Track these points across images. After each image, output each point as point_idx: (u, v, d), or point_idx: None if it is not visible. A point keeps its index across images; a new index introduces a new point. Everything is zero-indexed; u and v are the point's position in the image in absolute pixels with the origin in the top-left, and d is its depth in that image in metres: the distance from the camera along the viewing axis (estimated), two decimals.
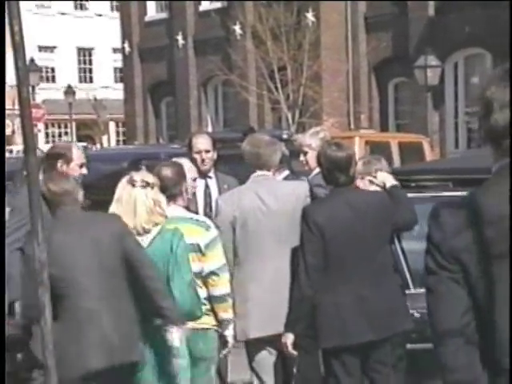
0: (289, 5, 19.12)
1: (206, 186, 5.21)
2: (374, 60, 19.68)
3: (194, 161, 5.20)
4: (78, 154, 4.52)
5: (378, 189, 4.06)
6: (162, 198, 3.72)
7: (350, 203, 3.78)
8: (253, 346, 4.20)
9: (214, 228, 3.97)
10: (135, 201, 3.64)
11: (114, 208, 3.65)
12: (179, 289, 3.58)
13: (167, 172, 3.87)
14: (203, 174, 5.21)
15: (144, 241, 3.55)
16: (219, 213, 4.20)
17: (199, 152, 5.14)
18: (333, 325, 3.71)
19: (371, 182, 4.11)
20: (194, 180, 4.53)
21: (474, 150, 18.41)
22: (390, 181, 4.06)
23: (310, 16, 19.64)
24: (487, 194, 1.85)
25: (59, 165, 4.42)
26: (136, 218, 3.61)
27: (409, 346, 3.95)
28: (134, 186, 3.66)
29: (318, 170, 4.59)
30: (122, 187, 3.67)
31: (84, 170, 4.49)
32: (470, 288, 1.79)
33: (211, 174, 5.23)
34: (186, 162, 4.58)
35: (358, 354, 3.76)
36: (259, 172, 4.20)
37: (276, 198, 4.10)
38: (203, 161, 5.13)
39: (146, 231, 3.60)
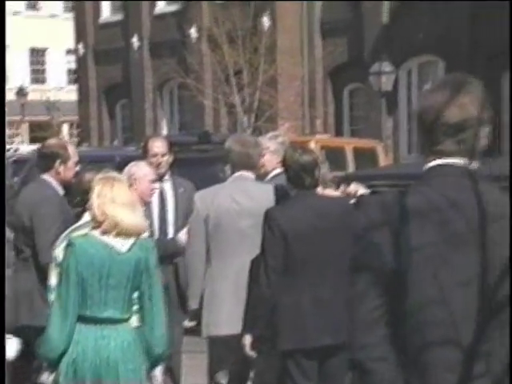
0: (245, 9, 19.14)
1: (162, 190, 5.18)
2: (330, 65, 19.81)
3: (150, 164, 5.18)
4: (73, 151, 4.44)
5: (338, 194, 4.14)
6: None
7: (313, 207, 3.83)
8: (214, 344, 4.22)
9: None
10: (135, 202, 3.61)
11: (121, 210, 3.47)
12: (157, 300, 3.55)
13: (92, 177, 3.83)
14: (159, 178, 5.18)
15: (124, 246, 3.48)
16: (195, 209, 4.25)
17: (155, 155, 5.12)
18: (292, 327, 3.73)
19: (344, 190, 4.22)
20: (152, 182, 4.51)
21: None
22: (361, 189, 4.16)
23: (265, 20, 19.69)
24: (414, 193, 1.97)
25: (57, 164, 4.33)
26: (137, 221, 3.53)
27: None
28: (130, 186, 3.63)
29: (274, 172, 4.63)
30: (125, 189, 3.55)
31: (78, 168, 4.42)
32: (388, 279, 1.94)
33: (167, 177, 5.21)
34: (143, 166, 4.56)
35: (315, 358, 3.78)
36: (243, 172, 4.21)
37: (250, 198, 4.13)
38: (159, 164, 5.11)
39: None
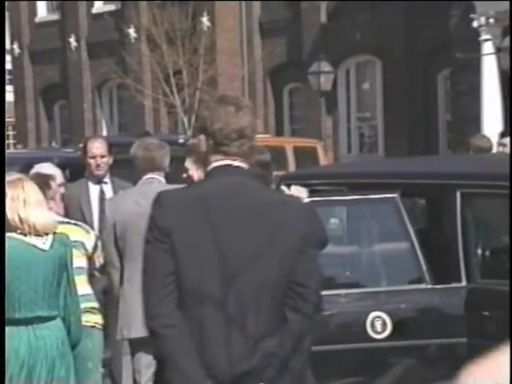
0: (184, 8, 19.07)
1: (101, 192, 5.12)
2: (269, 65, 19.89)
3: (88, 165, 5.12)
4: None
5: None
6: None
7: None
8: (133, 347, 4.26)
9: (91, 230, 4.16)
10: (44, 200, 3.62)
11: (40, 209, 3.52)
12: (76, 295, 3.60)
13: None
14: (98, 180, 5.12)
15: (46, 243, 3.51)
16: (106, 216, 4.33)
17: (94, 157, 5.06)
18: None
19: None
20: (60, 186, 4.42)
21: (366, 154, 18.93)
22: (302, 197, 4.10)
23: (205, 20, 19.65)
24: (205, 186, 2.46)
25: None
26: (50, 218, 3.57)
27: None
28: (43, 186, 3.66)
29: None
30: (34, 188, 3.58)
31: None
32: (175, 256, 2.35)
33: (106, 179, 5.15)
34: (47, 168, 4.48)
35: None
36: (150, 175, 4.25)
37: (151, 200, 4.14)
38: (98, 166, 5.05)
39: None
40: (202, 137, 2.43)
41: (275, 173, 5.41)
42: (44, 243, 3.49)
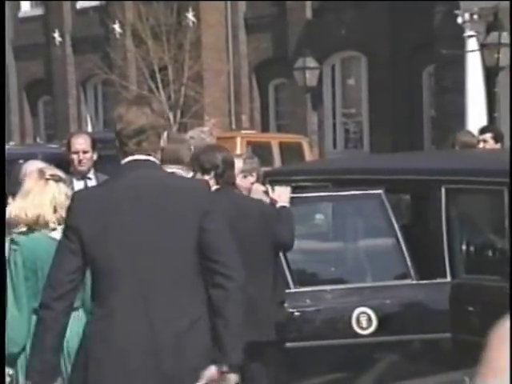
0: (169, 4, 19.02)
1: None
2: (255, 61, 19.87)
3: (71, 161, 5.10)
4: None
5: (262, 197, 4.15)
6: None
7: (236, 202, 3.86)
8: None
9: None
10: (46, 195, 3.60)
11: (19, 202, 3.54)
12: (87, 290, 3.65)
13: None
14: (82, 175, 5.10)
15: (56, 237, 3.50)
16: None
17: (77, 152, 5.04)
18: None
19: (266, 192, 4.20)
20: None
21: (351, 150, 18.96)
22: (283, 200, 4.09)
23: (190, 16, 19.60)
24: (114, 181, 2.67)
25: None
26: (51, 212, 3.56)
27: (288, 344, 4.01)
28: (47, 180, 3.63)
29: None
30: (34, 182, 3.60)
31: None
32: (83, 254, 2.57)
33: (91, 174, 5.13)
34: (36, 163, 4.46)
35: None
36: (171, 168, 4.23)
37: None
38: (80, 161, 5.03)
39: (55, 226, 3.54)
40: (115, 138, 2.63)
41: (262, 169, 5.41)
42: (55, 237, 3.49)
